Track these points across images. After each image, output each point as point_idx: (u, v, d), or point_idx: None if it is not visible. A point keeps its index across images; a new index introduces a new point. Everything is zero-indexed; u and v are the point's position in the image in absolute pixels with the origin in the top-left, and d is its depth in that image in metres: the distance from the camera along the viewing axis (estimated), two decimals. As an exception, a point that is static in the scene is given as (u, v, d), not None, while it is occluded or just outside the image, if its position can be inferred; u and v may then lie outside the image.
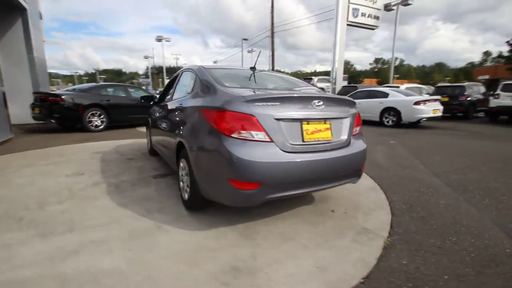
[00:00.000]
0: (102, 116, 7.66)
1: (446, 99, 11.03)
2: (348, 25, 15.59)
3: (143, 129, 8.09)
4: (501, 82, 11.03)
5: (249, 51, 36.87)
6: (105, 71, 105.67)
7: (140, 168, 3.92)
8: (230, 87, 2.23)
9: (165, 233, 2.12)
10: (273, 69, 29.08)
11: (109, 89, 8.26)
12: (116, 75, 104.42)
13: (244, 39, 34.06)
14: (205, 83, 2.38)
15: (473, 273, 1.71)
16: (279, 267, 1.73)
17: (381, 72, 72.07)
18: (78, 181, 3.33)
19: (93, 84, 8.87)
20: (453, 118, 11.48)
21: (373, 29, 16.80)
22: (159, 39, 30.54)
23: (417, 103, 8.62)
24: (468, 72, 59.06)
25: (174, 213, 2.47)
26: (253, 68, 2.88)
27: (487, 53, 65.53)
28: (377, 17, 16.73)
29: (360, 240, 2.09)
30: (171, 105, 3.11)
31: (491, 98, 10.51)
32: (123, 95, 8.45)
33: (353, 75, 64.23)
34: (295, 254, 1.88)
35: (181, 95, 2.93)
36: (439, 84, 14.68)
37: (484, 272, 1.72)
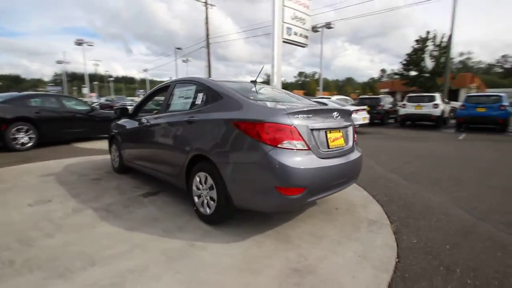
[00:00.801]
0: (30, 132, 6.42)
1: (368, 108, 13.13)
2: (283, 41, 17.08)
3: (84, 145, 7.15)
4: (396, 94, 13.77)
5: (184, 61, 35.93)
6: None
7: (118, 189, 3.53)
8: (256, 100, 2.35)
9: (203, 250, 2.06)
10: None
11: (37, 99, 6.99)
12: (13, 82, 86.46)
13: (178, 48, 33.07)
14: (226, 96, 2.42)
15: (462, 240, 2.25)
16: (330, 262, 1.93)
17: (305, 85, 79.89)
18: (51, 209, 2.81)
19: (16, 93, 7.31)
20: (373, 124, 13.70)
21: (303, 46, 18.72)
22: (79, 43, 26.56)
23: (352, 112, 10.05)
24: (372, 86, 70.87)
25: (198, 229, 2.39)
26: (254, 82, 3.04)
27: (383, 70, 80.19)
28: (306, 37, 18.68)
29: (373, 229, 2.46)
30: (168, 118, 2.97)
31: (399, 107, 13.03)
32: (56, 106, 7.26)
33: (283, 87, 69.26)
34: (334, 249, 2.10)
35: (185, 108, 2.85)
36: (361, 96, 17.31)
37: (468, 238, 2.29)
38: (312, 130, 2.15)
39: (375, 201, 3.19)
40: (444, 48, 26.46)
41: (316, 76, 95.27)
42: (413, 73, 28.87)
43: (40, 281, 1.68)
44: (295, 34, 19.96)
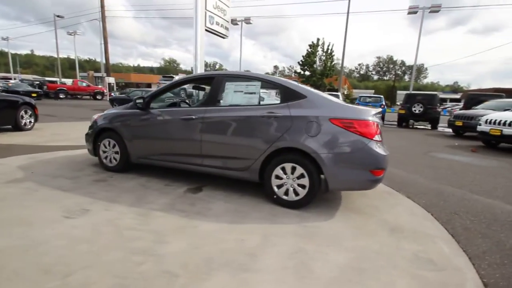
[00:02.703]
0: None
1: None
2: (206, 30, 16.76)
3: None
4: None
5: (70, 34, 28.62)
6: None
7: (149, 188, 3.18)
8: (333, 100, 2.82)
9: (319, 228, 2.42)
10: (106, 61, 24.81)
11: None
12: None
13: (58, 17, 26.03)
14: (311, 96, 2.77)
15: (462, 201, 3.49)
16: (401, 219, 2.70)
17: (206, 74, 79.48)
18: (108, 218, 2.39)
19: None
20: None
21: (224, 37, 19.00)
22: None
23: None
24: (268, 80, 77.91)
25: (290, 214, 2.67)
26: (296, 81, 3.44)
27: (276, 67, 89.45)
28: (227, 28, 19.08)
29: (397, 198, 3.41)
30: (231, 113, 2.96)
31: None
32: None
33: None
34: (393, 212, 2.90)
35: (251, 103, 2.94)
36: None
37: (463, 203, 3.55)
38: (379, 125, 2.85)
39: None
40: (330, 55, 32.33)
41: (217, 67, 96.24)
42: (307, 73, 33.89)
43: (235, 278, 1.69)
44: (217, 24, 19.98)
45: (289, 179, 2.76)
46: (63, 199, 2.72)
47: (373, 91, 49.72)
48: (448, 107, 24.17)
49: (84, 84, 22.45)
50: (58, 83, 22.60)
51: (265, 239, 2.19)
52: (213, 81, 3.21)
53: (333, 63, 31.80)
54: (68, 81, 25.98)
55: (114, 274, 1.66)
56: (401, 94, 37.97)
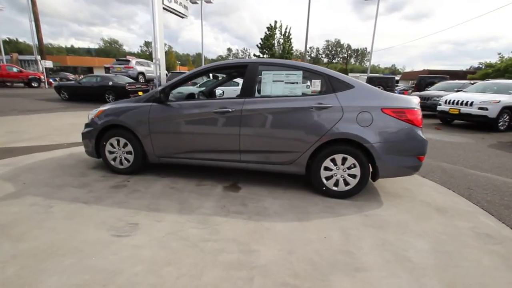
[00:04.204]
0: None
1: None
2: (164, 9, 15.27)
3: None
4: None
5: None
6: None
7: (183, 191, 2.88)
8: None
9: (376, 216, 2.50)
10: (40, 42, 21.32)
11: None
12: None
13: None
14: (358, 86, 2.73)
15: (472, 182, 3.90)
16: (437, 198, 2.94)
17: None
18: (171, 231, 2.10)
19: None
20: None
21: (183, 17, 17.63)
22: None
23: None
24: (222, 63, 75.58)
25: (344, 204, 2.70)
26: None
27: (229, 49, 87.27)
28: (186, 7, 17.64)
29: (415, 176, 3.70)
30: (274, 104, 2.78)
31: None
32: None
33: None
34: (425, 192, 3.13)
35: (294, 93, 2.80)
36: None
37: (468, 177, 3.98)
38: (418, 113, 2.99)
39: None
40: (288, 37, 32.63)
41: (166, 48, 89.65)
42: (266, 56, 33.82)
43: (354, 279, 1.64)
44: (175, 2, 18.58)
45: (339, 170, 2.76)
46: (95, 214, 2.30)
47: (325, 74, 51.99)
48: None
49: (15, 70, 18.78)
50: (-22, 68, 18.55)
51: (344, 233, 2.17)
52: (246, 70, 2.96)
53: (291, 46, 32.25)
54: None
55: (233, 296, 1.48)
56: (352, 76, 40.43)
